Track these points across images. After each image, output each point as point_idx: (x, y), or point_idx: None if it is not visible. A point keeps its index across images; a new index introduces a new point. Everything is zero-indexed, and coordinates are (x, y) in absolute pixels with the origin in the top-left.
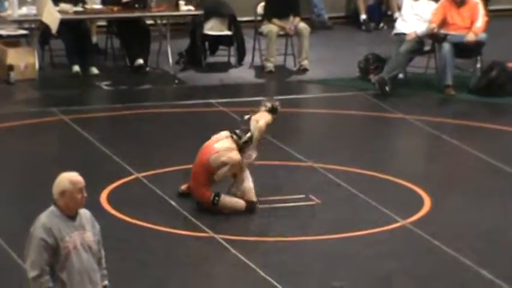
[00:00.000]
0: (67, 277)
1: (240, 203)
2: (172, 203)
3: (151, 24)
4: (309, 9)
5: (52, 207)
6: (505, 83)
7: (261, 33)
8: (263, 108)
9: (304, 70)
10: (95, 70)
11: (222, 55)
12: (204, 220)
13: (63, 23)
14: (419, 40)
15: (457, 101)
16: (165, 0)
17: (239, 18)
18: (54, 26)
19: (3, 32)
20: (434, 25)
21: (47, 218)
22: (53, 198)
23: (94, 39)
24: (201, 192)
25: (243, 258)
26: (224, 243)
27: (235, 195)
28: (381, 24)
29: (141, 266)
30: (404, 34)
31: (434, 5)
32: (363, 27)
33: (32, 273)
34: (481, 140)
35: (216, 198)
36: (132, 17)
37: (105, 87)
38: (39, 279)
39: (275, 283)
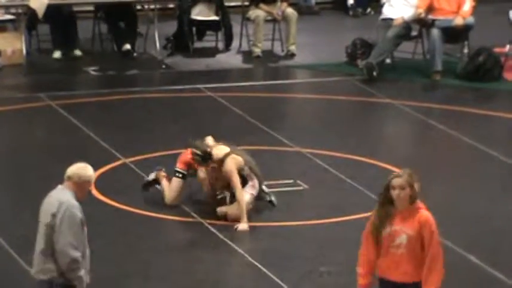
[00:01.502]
0: (82, 255)
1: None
2: (159, 188)
3: (138, 9)
4: None
5: (68, 190)
6: (492, 68)
7: (248, 19)
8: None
9: (291, 55)
10: (78, 52)
11: (209, 40)
12: (192, 205)
13: (49, 7)
14: (407, 25)
15: (444, 86)
16: None
17: (226, 4)
18: (41, 12)
19: None
20: (421, 10)
21: (72, 198)
22: (74, 180)
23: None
24: None
25: (230, 243)
26: (211, 228)
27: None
28: (368, 10)
29: (128, 250)
30: (391, 19)
31: None
32: (350, 13)
33: (75, 254)
34: (468, 125)
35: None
36: (120, 2)
37: (93, 73)
38: (80, 261)
39: (262, 268)
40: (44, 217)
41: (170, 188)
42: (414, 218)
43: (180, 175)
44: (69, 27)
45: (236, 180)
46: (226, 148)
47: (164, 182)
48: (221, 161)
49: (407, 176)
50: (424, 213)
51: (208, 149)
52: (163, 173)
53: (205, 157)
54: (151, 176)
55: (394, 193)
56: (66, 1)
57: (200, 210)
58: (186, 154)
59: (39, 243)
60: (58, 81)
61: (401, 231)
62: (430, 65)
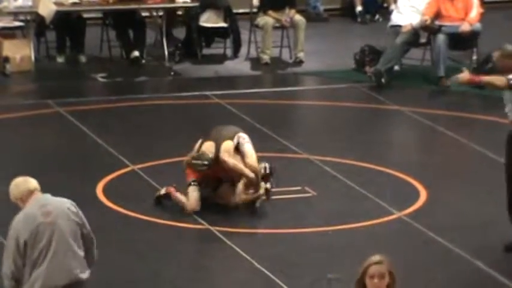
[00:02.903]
0: None
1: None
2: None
3: (146, 16)
4: (305, 1)
5: None
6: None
7: (256, 25)
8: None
9: (299, 62)
10: (82, 59)
11: (217, 47)
12: (200, 212)
13: (57, 13)
14: (415, 32)
15: (452, 93)
16: None
17: (235, 10)
18: (49, 18)
19: None
20: (426, 17)
21: None
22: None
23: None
24: None
25: (238, 250)
26: (220, 235)
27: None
28: (377, 16)
29: (137, 257)
30: (400, 26)
31: None
32: (359, 19)
33: None
34: (477, 131)
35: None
36: (128, 9)
37: (101, 79)
38: None
39: (270, 275)
40: (70, 218)
41: (190, 196)
42: None
43: (196, 183)
44: (76, 33)
45: (239, 167)
46: (210, 144)
47: (178, 195)
48: (216, 159)
49: (387, 262)
50: None
51: (211, 155)
52: (172, 188)
53: (210, 163)
54: (163, 191)
55: (372, 282)
56: (74, 8)
57: (208, 216)
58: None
59: (71, 245)
60: (66, 88)
61: None
62: (435, 71)
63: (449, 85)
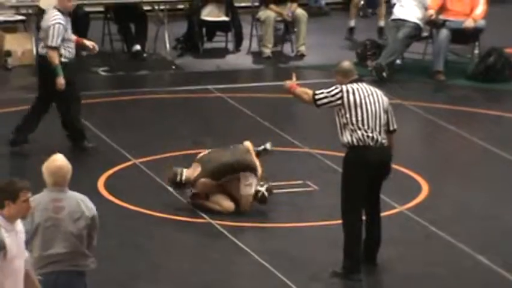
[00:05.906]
0: None
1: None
2: (169, 189)
3: (148, 10)
4: None
5: None
6: (503, 69)
7: (258, 19)
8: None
9: (301, 56)
10: (84, 52)
11: (219, 41)
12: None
13: None
14: (417, 26)
15: (454, 87)
16: None
17: (236, 4)
18: None
19: (1, 18)
20: (432, 11)
21: None
22: None
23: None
24: None
25: (239, 244)
26: (221, 229)
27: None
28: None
29: (138, 251)
30: (401, 20)
31: None
32: (360, 13)
33: None
34: (479, 125)
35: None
36: (130, 3)
37: (103, 73)
38: None
39: (272, 269)
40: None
41: (222, 202)
42: None
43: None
44: (79, 28)
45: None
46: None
47: (210, 205)
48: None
49: None
50: None
51: (190, 176)
52: (200, 199)
53: (179, 185)
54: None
55: None
56: (76, 1)
57: (209, 210)
58: None
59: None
60: None
61: None
62: (432, 65)
63: (444, 79)
